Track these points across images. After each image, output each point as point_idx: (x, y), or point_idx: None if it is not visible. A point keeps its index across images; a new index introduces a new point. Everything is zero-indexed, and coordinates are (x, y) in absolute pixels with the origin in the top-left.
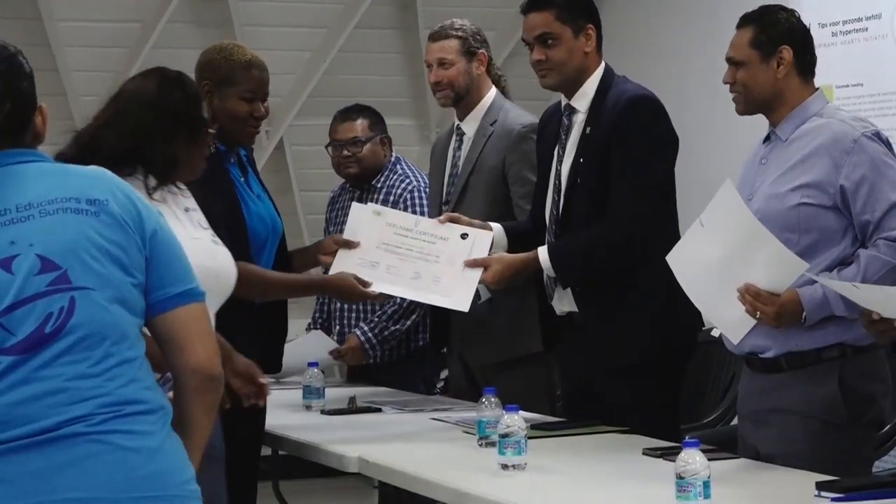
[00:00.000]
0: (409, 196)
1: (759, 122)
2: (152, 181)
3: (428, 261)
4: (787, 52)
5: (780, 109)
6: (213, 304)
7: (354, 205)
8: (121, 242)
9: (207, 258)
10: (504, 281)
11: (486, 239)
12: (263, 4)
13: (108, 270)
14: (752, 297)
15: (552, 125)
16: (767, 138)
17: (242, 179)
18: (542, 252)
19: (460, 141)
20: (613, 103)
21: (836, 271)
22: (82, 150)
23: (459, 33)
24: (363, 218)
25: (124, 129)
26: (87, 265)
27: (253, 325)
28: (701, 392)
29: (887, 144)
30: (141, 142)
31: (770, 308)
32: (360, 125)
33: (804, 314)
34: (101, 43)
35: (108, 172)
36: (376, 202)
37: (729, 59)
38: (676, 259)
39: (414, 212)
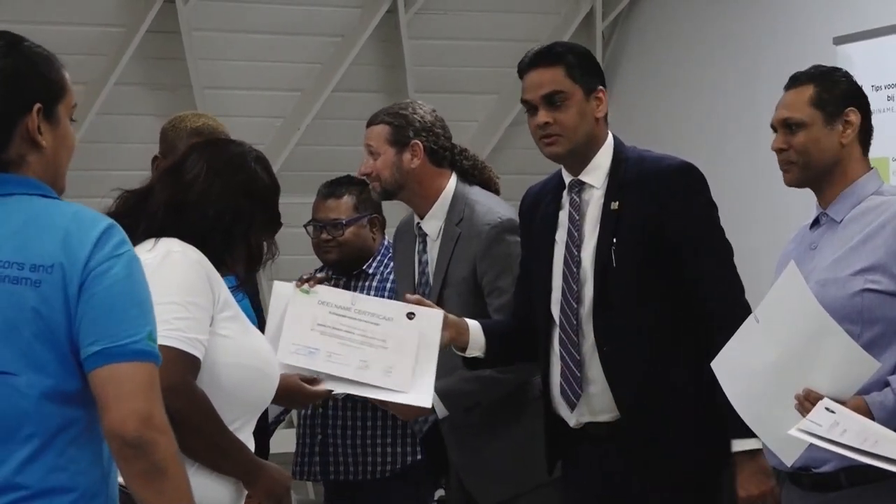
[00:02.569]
0: None
1: (803, 198)
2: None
3: (374, 346)
4: (854, 115)
5: (836, 185)
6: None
7: (276, 283)
8: (54, 317)
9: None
10: None
11: (436, 320)
12: (227, 64)
13: (39, 354)
14: (812, 405)
15: (545, 206)
16: (816, 222)
17: None
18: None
19: (424, 244)
20: (646, 174)
21: None
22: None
23: (393, 120)
24: (289, 296)
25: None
26: (17, 347)
27: None
28: None
29: None
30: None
31: None
32: (344, 203)
33: None
34: None
35: (89, 214)
36: (366, 290)
37: (783, 122)
38: (723, 365)
39: None
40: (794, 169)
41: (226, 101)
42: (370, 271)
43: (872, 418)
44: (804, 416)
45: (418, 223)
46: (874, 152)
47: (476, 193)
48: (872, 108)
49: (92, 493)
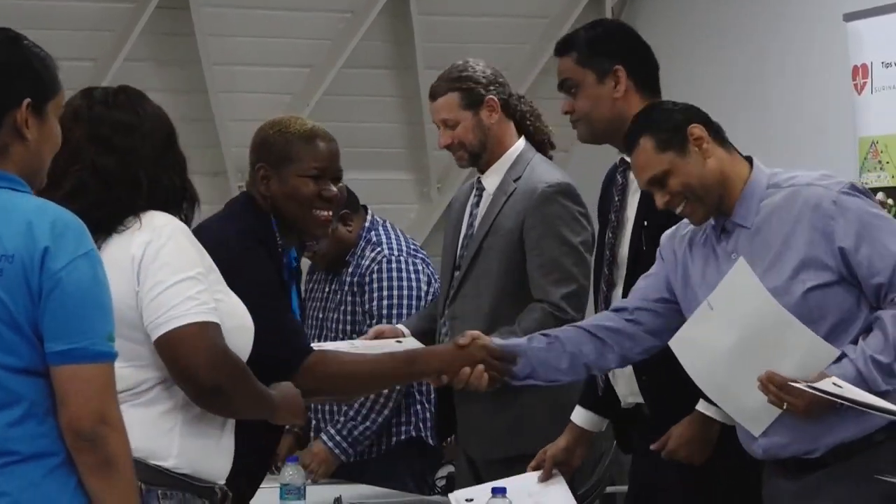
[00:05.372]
0: (375, 268)
1: None
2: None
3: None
4: (699, 130)
5: (730, 195)
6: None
7: None
8: (17, 305)
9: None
10: None
11: (416, 342)
12: (236, 40)
13: (4, 335)
14: (777, 388)
15: (611, 186)
16: (723, 230)
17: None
18: None
19: (479, 197)
20: None
21: (861, 341)
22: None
23: (459, 84)
24: None
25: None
26: None
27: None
28: None
29: (867, 193)
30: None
31: (800, 401)
32: None
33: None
34: None
35: (51, 209)
36: (346, 279)
37: (648, 182)
38: (681, 344)
39: (381, 287)
40: (690, 207)
41: (235, 77)
42: (348, 258)
43: None
44: (769, 397)
45: (479, 177)
46: (887, 129)
47: (540, 158)
48: (882, 84)
49: (73, 460)
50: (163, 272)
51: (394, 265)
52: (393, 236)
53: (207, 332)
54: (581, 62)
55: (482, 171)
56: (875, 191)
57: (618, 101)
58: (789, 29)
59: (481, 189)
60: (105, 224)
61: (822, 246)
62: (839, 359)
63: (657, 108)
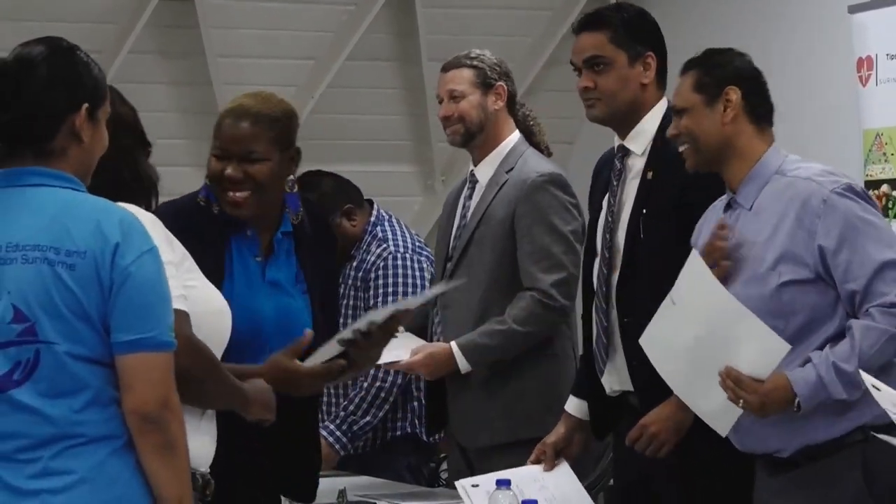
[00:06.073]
0: (381, 264)
1: None
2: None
3: None
4: (733, 94)
5: (737, 166)
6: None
7: None
8: (89, 298)
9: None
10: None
11: (413, 337)
12: (241, 33)
13: (74, 326)
14: (734, 384)
15: (605, 172)
16: (729, 206)
17: (259, 259)
18: None
19: (472, 189)
20: None
21: (827, 348)
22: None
23: (475, 63)
24: None
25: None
26: (55, 319)
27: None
28: None
29: (864, 197)
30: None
31: (753, 397)
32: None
33: (797, 400)
34: None
35: (115, 209)
36: (350, 274)
37: (673, 108)
38: (650, 341)
39: (386, 284)
40: (688, 154)
41: (239, 69)
42: (353, 252)
43: (794, 395)
44: (728, 393)
45: (472, 169)
46: (892, 121)
47: (533, 151)
48: (887, 77)
49: (132, 443)
50: None
51: (399, 262)
52: (399, 233)
53: (179, 320)
54: (616, 41)
55: (476, 163)
56: (879, 183)
57: (644, 87)
58: (794, 21)
59: (474, 181)
60: None
61: (802, 242)
62: (804, 363)
63: (725, 53)
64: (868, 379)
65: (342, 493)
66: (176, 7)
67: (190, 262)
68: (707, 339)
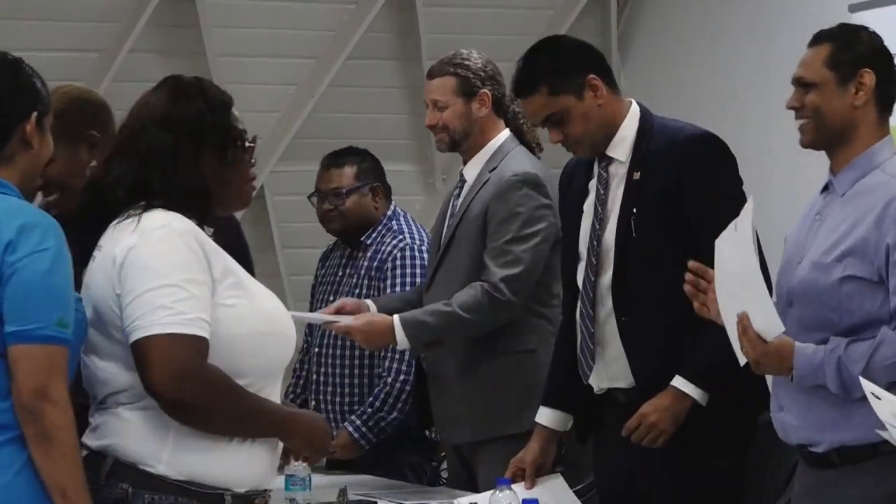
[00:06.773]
0: (399, 255)
1: (820, 167)
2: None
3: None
4: (868, 77)
5: (848, 150)
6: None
7: None
8: None
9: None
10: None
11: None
12: (242, 32)
13: None
14: (742, 330)
15: (577, 180)
16: (825, 188)
17: None
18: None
19: (461, 188)
20: (666, 143)
21: (845, 341)
22: (90, 190)
23: (457, 70)
24: None
25: (134, 155)
26: None
27: None
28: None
29: None
30: (153, 169)
31: (752, 352)
32: (346, 173)
33: (793, 372)
34: (53, 76)
35: (25, 211)
36: (363, 263)
37: (797, 80)
38: (718, 248)
39: (404, 274)
40: (807, 129)
41: (240, 69)
42: (368, 242)
43: (791, 366)
44: (736, 335)
45: (461, 169)
46: (892, 120)
47: (518, 150)
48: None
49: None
50: (138, 278)
51: (416, 254)
52: (415, 228)
53: (174, 344)
54: (555, 90)
55: (465, 162)
56: None
57: (605, 106)
58: (794, 19)
59: (463, 180)
60: (99, 215)
61: (874, 241)
62: (822, 341)
63: (861, 31)
64: (868, 386)
65: (343, 491)
66: (177, 6)
67: (233, 279)
68: (739, 279)
